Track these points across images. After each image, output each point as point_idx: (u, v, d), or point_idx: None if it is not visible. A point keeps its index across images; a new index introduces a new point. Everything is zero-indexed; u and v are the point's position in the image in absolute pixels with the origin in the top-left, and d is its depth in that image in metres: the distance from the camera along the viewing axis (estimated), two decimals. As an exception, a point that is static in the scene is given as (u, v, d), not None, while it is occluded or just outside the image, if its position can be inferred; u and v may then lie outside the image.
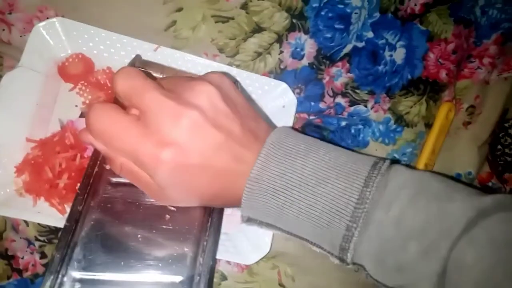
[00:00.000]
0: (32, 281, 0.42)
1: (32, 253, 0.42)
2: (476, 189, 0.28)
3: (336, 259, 0.29)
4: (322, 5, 0.47)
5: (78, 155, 0.39)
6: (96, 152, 0.36)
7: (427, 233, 0.25)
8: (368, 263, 0.28)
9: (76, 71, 0.43)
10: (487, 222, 0.25)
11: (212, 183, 0.29)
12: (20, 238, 0.42)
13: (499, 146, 0.52)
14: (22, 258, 0.42)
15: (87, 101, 0.43)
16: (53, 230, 0.42)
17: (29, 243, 0.42)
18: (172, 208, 0.35)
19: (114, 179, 0.35)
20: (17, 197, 0.39)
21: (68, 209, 0.39)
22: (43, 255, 0.42)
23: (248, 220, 0.31)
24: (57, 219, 0.38)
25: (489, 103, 0.49)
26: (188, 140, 0.27)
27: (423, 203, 0.26)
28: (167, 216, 0.34)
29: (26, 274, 0.42)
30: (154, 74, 0.39)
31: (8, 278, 0.42)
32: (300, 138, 0.30)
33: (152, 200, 0.34)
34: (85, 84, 0.43)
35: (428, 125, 0.48)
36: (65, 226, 0.32)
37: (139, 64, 0.40)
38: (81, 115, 0.42)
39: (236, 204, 0.31)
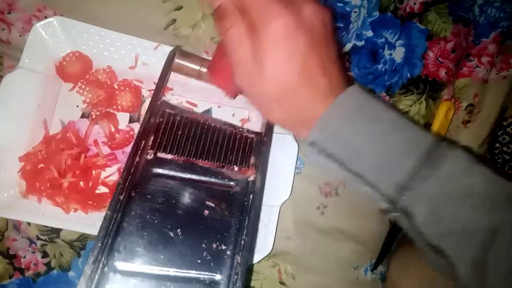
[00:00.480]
0: (34, 280, 0.43)
1: (33, 252, 0.43)
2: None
3: (385, 201, 0.29)
4: (322, 3, 0.47)
5: (83, 154, 0.40)
6: (137, 142, 0.36)
7: (483, 194, 0.27)
8: (420, 211, 0.28)
9: (74, 70, 0.43)
10: None
11: (302, 72, 0.29)
12: (22, 237, 0.43)
13: (497, 144, 0.53)
14: (24, 257, 0.43)
15: (88, 100, 0.43)
16: (55, 229, 0.43)
17: (31, 242, 0.43)
18: (211, 204, 0.35)
19: (155, 170, 0.36)
20: (21, 198, 0.39)
21: (72, 208, 0.39)
22: (44, 254, 0.43)
23: (311, 145, 0.30)
24: (62, 221, 0.39)
25: (488, 101, 0.50)
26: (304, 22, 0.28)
27: (479, 170, 0.28)
28: (206, 212, 0.35)
29: (28, 273, 0.43)
30: (194, 66, 0.40)
31: (10, 277, 0.43)
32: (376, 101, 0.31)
33: (190, 197, 0.35)
34: (85, 83, 0.43)
35: (428, 124, 0.49)
36: (106, 214, 0.32)
37: (179, 55, 0.40)
38: (83, 116, 0.43)
39: (307, 120, 0.30)
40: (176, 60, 0.40)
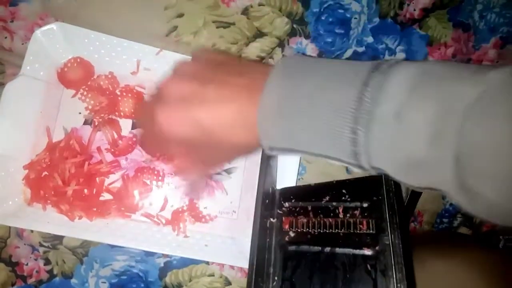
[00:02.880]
0: (36, 288, 0.46)
1: (36, 260, 0.46)
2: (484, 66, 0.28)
3: (357, 168, 0.30)
4: (322, 10, 0.51)
5: (86, 162, 0.43)
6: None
7: (432, 121, 0.25)
8: (384, 166, 0.29)
9: (76, 76, 0.46)
10: (494, 96, 0.24)
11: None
12: (25, 244, 0.45)
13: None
14: (27, 264, 0.46)
15: (90, 107, 0.46)
16: (57, 236, 0.45)
17: (33, 249, 0.45)
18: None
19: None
20: (26, 206, 0.42)
21: (77, 216, 0.42)
22: (47, 261, 0.46)
23: (271, 149, 0.33)
24: (68, 228, 0.41)
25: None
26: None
27: (423, 89, 0.26)
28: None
29: (31, 281, 0.46)
30: None
31: (13, 285, 0.45)
32: (303, 59, 0.33)
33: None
34: (87, 89, 0.46)
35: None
36: None
37: None
38: (85, 122, 0.46)
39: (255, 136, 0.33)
40: None
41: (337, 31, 0.51)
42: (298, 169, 0.47)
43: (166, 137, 0.34)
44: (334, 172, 0.50)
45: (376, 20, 0.51)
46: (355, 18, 0.51)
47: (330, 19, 0.51)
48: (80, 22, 0.45)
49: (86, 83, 0.46)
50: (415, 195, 0.51)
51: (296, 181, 0.46)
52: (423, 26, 0.52)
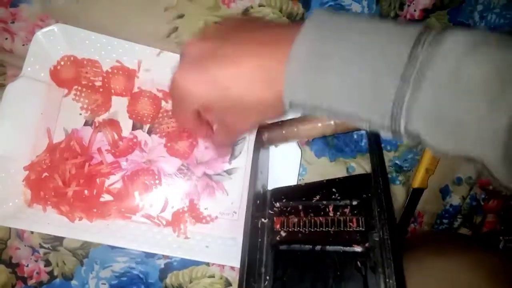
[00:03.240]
0: (36, 289, 0.46)
1: (36, 261, 0.46)
2: None
3: (389, 132, 0.29)
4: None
5: (87, 163, 0.43)
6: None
7: (491, 84, 0.24)
8: (423, 126, 0.27)
9: (69, 74, 0.45)
10: None
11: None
12: (25, 245, 0.46)
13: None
14: (27, 266, 0.46)
15: (85, 106, 0.46)
16: (58, 237, 0.46)
17: (34, 250, 0.46)
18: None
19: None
20: (26, 207, 0.42)
21: (77, 217, 0.42)
22: (47, 263, 0.46)
23: (291, 106, 0.31)
24: (68, 229, 0.42)
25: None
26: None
27: (483, 52, 0.25)
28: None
29: (31, 282, 0.46)
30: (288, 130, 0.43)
31: (13, 286, 0.46)
32: (339, 14, 0.31)
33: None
34: (80, 88, 0.46)
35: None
36: None
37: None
38: (86, 123, 0.46)
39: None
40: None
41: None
42: (299, 170, 0.47)
43: (187, 99, 0.33)
44: (335, 172, 0.50)
45: (377, 21, 0.51)
46: (356, 19, 0.51)
47: (331, 20, 0.51)
48: (81, 24, 0.45)
49: (79, 82, 0.46)
50: (415, 196, 0.51)
51: (297, 182, 0.47)
52: (423, 27, 0.52)
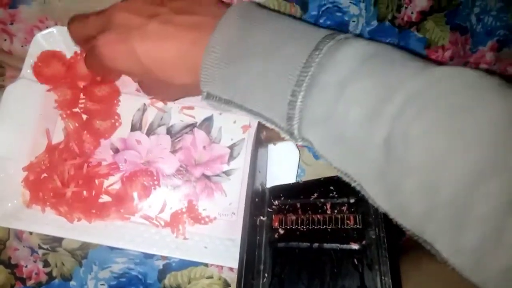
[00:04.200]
0: (35, 290, 0.46)
1: (35, 262, 0.46)
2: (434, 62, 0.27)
3: (287, 135, 0.29)
4: (320, 13, 0.51)
5: (85, 164, 0.43)
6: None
7: (370, 98, 0.25)
8: (314, 136, 0.28)
9: (52, 70, 0.45)
10: (439, 89, 0.24)
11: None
12: (24, 246, 0.46)
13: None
14: (26, 266, 0.46)
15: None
16: (57, 238, 0.46)
17: (33, 251, 0.46)
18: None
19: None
20: (25, 208, 0.42)
21: (76, 217, 0.42)
22: (46, 264, 0.46)
23: (208, 97, 0.32)
24: (67, 230, 0.42)
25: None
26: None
27: (372, 67, 0.26)
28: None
29: (30, 283, 0.46)
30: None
31: (12, 287, 0.46)
32: (261, 10, 0.32)
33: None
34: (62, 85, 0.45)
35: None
36: None
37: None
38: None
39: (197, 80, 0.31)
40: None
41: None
42: (297, 172, 0.47)
43: (108, 66, 0.33)
44: (334, 174, 0.51)
45: (374, 23, 0.52)
46: (353, 21, 0.51)
47: (328, 22, 0.51)
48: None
49: (65, 78, 0.45)
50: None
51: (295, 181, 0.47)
52: (420, 29, 0.53)
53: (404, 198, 0.25)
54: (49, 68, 0.45)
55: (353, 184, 0.28)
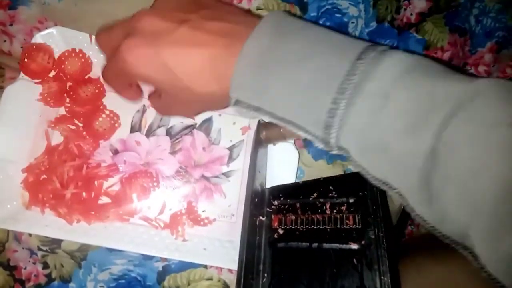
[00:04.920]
0: (34, 292, 0.46)
1: (34, 263, 0.46)
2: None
3: (321, 143, 0.29)
4: (320, 14, 0.51)
5: (85, 165, 0.43)
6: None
7: (416, 109, 0.25)
8: (352, 145, 0.28)
9: (38, 64, 0.44)
10: (481, 101, 0.24)
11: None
12: (23, 248, 0.46)
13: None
14: (25, 268, 0.46)
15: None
16: (56, 240, 0.46)
17: (32, 253, 0.46)
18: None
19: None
20: (25, 210, 0.42)
21: (75, 219, 0.42)
22: (45, 265, 0.46)
23: (236, 103, 0.31)
24: (66, 232, 0.42)
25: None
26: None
27: (416, 78, 0.26)
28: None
29: (29, 285, 0.46)
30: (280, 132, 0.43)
31: (11, 289, 0.46)
32: (296, 19, 0.31)
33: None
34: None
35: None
36: None
37: (264, 129, 0.44)
38: (84, 126, 0.46)
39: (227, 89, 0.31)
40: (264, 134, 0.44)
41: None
42: (297, 173, 0.47)
43: (129, 73, 0.32)
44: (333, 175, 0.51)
45: (373, 24, 0.52)
46: (353, 22, 0.52)
47: (328, 23, 0.51)
48: (79, 26, 0.46)
49: (50, 70, 0.45)
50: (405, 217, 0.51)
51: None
52: (420, 30, 0.53)
53: (445, 207, 0.25)
54: (35, 62, 0.44)
55: (390, 192, 0.28)
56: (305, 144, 0.50)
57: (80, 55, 0.46)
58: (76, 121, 0.45)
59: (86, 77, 0.46)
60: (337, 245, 0.38)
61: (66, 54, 0.46)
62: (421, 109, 0.25)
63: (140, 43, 0.31)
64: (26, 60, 0.44)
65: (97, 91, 0.46)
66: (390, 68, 0.26)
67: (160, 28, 0.31)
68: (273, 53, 0.29)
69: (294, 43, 0.29)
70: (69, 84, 0.46)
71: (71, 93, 0.45)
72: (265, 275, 0.38)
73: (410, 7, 0.53)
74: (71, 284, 0.46)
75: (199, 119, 0.48)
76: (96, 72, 0.47)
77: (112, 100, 0.46)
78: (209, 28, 0.31)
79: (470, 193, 0.24)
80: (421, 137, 0.25)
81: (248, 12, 0.36)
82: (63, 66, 0.45)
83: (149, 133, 0.47)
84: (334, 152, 0.29)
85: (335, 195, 0.41)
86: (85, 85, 0.45)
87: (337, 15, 0.51)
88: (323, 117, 0.27)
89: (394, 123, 0.26)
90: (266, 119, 0.31)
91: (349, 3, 0.51)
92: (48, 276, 0.46)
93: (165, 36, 0.31)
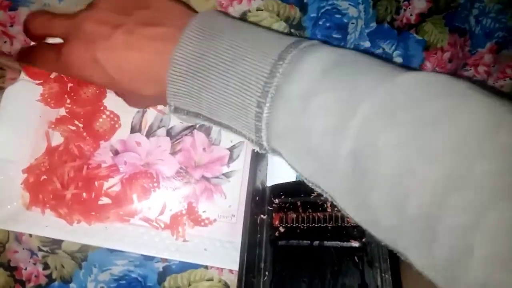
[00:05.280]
0: (35, 292, 0.46)
1: (35, 264, 0.46)
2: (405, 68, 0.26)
3: (256, 146, 0.29)
4: (319, 15, 0.51)
5: (85, 166, 0.43)
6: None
7: (334, 112, 0.24)
8: (282, 148, 0.28)
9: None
10: (403, 100, 0.23)
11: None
12: (23, 248, 0.46)
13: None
14: (25, 269, 0.46)
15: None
16: (56, 240, 0.46)
17: (32, 253, 0.46)
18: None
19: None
20: (25, 210, 0.42)
21: (75, 220, 0.42)
22: (46, 266, 0.46)
23: (175, 111, 0.32)
24: (67, 232, 0.42)
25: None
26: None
27: (336, 77, 0.25)
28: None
29: (29, 286, 0.46)
30: None
31: (11, 289, 0.46)
32: (225, 20, 0.31)
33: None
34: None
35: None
36: None
37: None
38: (84, 127, 0.46)
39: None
40: None
41: (334, 36, 0.51)
42: (297, 175, 0.47)
43: (73, 75, 0.34)
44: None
45: (373, 25, 0.52)
46: (352, 23, 0.52)
47: (328, 24, 0.51)
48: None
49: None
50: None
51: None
52: (419, 31, 0.53)
53: (373, 211, 0.24)
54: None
55: (325, 195, 0.28)
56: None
57: None
58: (76, 122, 0.45)
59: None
60: (338, 243, 0.38)
61: None
62: (339, 112, 0.24)
63: (78, 47, 0.32)
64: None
65: (97, 92, 0.46)
66: (309, 68, 0.26)
67: (96, 32, 0.32)
68: (201, 60, 0.29)
69: (220, 47, 0.29)
70: (69, 85, 0.45)
71: (72, 94, 0.45)
72: (266, 273, 0.38)
73: (409, 8, 0.53)
74: (71, 285, 0.46)
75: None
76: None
77: (112, 101, 0.46)
78: (141, 32, 0.31)
79: (395, 198, 0.23)
80: (341, 140, 0.24)
81: (188, 9, 0.35)
82: None
83: (150, 133, 0.47)
84: (270, 154, 0.30)
85: None
86: (86, 86, 0.45)
87: (337, 15, 0.51)
88: (253, 121, 0.27)
89: (314, 126, 0.25)
90: (206, 124, 0.31)
91: (349, 4, 0.52)
92: (49, 276, 0.46)
93: (101, 41, 0.31)
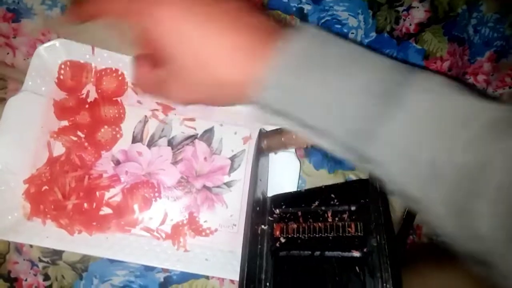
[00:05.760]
0: (35, 304, 0.45)
1: (35, 275, 0.45)
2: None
3: (350, 153, 0.29)
4: (319, 25, 0.52)
5: (86, 176, 0.43)
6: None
7: (448, 126, 0.25)
8: (389, 154, 0.27)
9: (72, 80, 0.46)
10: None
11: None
12: (24, 259, 0.45)
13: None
14: (26, 280, 0.45)
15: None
16: (57, 251, 0.45)
17: (33, 264, 0.45)
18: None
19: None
20: (26, 221, 0.42)
21: (76, 230, 0.42)
22: (46, 277, 0.46)
23: (264, 107, 0.30)
24: (67, 243, 0.42)
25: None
26: None
27: (449, 95, 0.26)
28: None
29: (29, 297, 0.45)
30: (279, 141, 0.43)
31: (11, 301, 0.45)
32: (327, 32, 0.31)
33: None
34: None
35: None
36: None
37: (264, 139, 0.44)
38: (86, 137, 0.46)
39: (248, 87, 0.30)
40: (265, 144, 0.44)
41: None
42: (298, 182, 0.47)
43: (149, 33, 0.31)
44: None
45: (373, 35, 0.52)
46: (352, 33, 0.52)
47: (328, 34, 0.52)
48: (81, 38, 0.46)
49: (84, 84, 0.47)
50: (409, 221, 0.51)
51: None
52: (419, 40, 0.53)
53: (476, 221, 0.24)
54: (73, 79, 0.46)
55: (417, 206, 0.28)
56: (306, 153, 0.50)
57: (120, 78, 0.47)
58: (78, 132, 0.45)
59: (114, 98, 0.47)
60: (339, 253, 0.38)
61: (108, 71, 0.47)
62: (452, 125, 0.25)
63: (179, 13, 0.30)
64: (62, 77, 0.46)
65: (117, 115, 0.46)
66: (429, 85, 0.26)
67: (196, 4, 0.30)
68: (312, 61, 0.28)
69: (331, 52, 0.28)
70: (90, 100, 0.47)
71: (91, 108, 0.46)
72: (267, 284, 0.38)
73: (409, 18, 0.53)
74: (72, 296, 0.46)
75: (200, 129, 0.48)
76: (124, 97, 0.48)
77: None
78: (248, 20, 0.30)
79: (506, 210, 0.23)
80: (454, 153, 0.25)
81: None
82: (101, 81, 0.47)
83: (151, 143, 0.47)
84: (363, 164, 0.29)
85: (337, 203, 0.41)
86: (109, 105, 0.46)
87: (337, 26, 0.52)
88: (355, 124, 0.27)
89: (435, 140, 0.26)
90: (285, 124, 0.30)
91: (349, 14, 0.52)
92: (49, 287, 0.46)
93: (204, 15, 0.30)
